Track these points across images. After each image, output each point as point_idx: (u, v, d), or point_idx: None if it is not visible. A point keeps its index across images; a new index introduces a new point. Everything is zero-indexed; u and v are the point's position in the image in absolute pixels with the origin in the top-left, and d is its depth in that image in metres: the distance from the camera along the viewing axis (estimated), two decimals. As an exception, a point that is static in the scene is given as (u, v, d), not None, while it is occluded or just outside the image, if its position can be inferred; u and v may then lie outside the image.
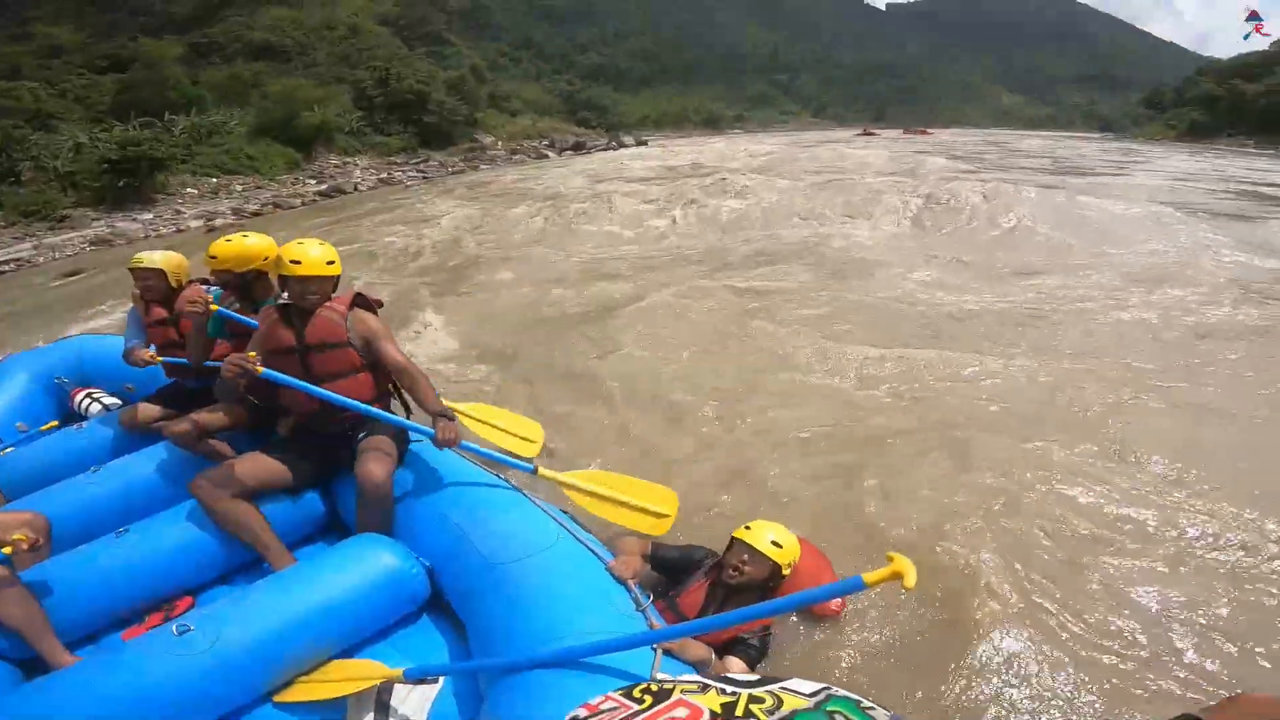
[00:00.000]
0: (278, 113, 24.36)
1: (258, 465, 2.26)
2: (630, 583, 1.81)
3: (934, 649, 2.39)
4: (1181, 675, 2.28)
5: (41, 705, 1.61)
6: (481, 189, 18.95)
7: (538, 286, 7.81)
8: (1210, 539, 2.96)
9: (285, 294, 2.34)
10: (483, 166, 28.31)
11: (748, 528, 2.30)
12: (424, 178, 23.92)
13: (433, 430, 2.20)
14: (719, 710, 0.94)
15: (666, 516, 2.36)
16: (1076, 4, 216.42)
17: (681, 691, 1.03)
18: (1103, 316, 6.07)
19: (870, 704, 0.93)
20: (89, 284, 9.57)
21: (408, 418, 2.45)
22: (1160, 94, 59.68)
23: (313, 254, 2.29)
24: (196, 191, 18.54)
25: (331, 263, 2.34)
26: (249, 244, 2.68)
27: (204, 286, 2.91)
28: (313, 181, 21.91)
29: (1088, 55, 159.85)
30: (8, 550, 1.82)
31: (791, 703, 0.93)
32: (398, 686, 1.73)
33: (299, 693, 1.79)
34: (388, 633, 2.03)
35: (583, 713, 1.07)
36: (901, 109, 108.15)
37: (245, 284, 2.74)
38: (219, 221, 15.01)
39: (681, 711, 0.97)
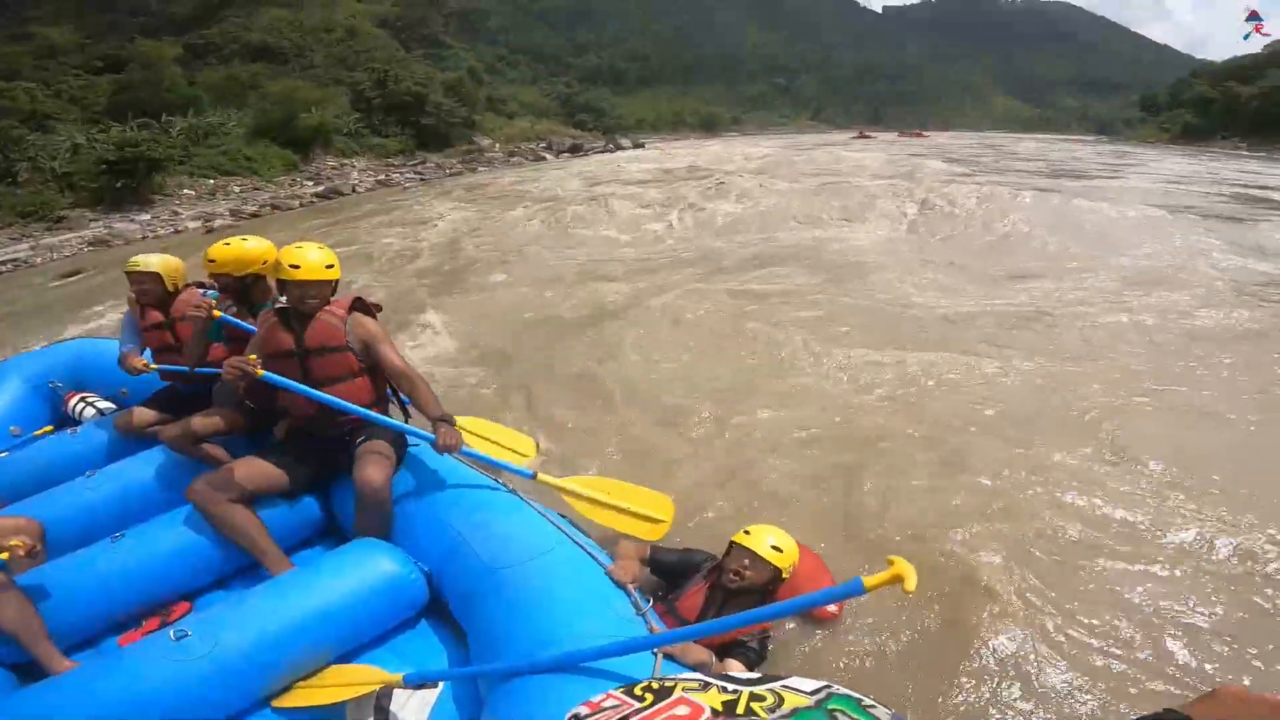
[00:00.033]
0: (276, 114, 24.31)
1: (254, 469, 2.25)
2: (630, 587, 1.80)
3: (933, 650, 2.40)
4: (1176, 675, 2.30)
5: (38, 711, 1.60)
6: (479, 191, 18.94)
7: (535, 289, 7.81)
8: (1205, 541, 2.98)
9: (284, 297, 2.33)
10: (480, 169, 28.28)
11: (747, 532, 2.30)
12: (421, 180, 23.87)
13: (432, 435, 2.19)
14: (720, 708, 0.94)
15: (662, 523, 2.37)
16: (1072, 8, 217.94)
17: (683, 689, 1.02)
18: (1098, 319, 6.10)
19: (871, 702, 0.94)
20: (87, 285, 9.55)
21: (406, 422, 2.45)
22: (1154, 97, 59.82)
23: (311, 258, 2.28)
24: (194, 192, 18.47)
25: (330, 266, 2.33)
26: (247, 247, 2.67)
27: (201, 290, 2.91)
28: (310, 183, 21.84)
29: (1083, 59, 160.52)
30: (3, 556, 1.81)
31: (792, 701, 0.94)
32: (397, 692, 1.72)
33: (297, 698, 1.79)
34: (387, 638, 2.02)
35: (584, 710, 1.06)
36: (899, 111, 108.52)
37: (243, 287, 2.73)
38: (217, 223, 14.98)
39: (683, 709, 0.96)
